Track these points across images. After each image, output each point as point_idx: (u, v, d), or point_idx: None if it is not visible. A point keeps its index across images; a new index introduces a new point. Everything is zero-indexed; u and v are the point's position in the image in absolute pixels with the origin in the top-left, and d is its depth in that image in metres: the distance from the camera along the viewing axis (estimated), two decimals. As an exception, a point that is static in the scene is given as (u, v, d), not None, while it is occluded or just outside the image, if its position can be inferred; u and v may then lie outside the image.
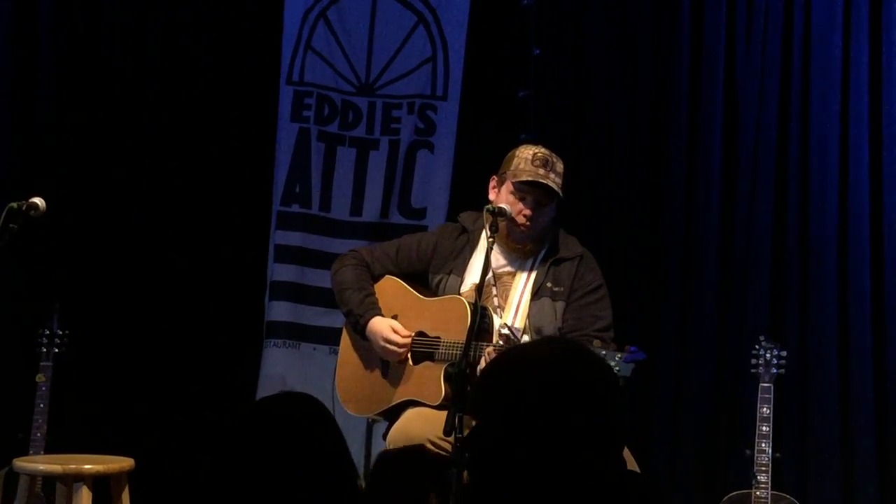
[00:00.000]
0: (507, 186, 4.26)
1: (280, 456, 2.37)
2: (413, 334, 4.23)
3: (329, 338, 5.43)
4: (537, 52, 5.61)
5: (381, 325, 4.23)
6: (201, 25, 5.91)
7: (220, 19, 5.90)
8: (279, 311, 5.77)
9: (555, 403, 2.12)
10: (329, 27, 5.85)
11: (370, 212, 5.78)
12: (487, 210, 4.17)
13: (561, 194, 4.25)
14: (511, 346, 3.94)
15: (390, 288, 4.35)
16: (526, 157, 4.24)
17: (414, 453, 2.58)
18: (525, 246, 4.31)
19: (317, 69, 5.85)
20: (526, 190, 4.22)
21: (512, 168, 4.25)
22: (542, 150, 4.29)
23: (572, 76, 5.67)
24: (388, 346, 4.20)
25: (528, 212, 4.21)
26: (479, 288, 3.99)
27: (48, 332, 5.24)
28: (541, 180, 4.19)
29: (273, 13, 5.87)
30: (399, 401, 4.20)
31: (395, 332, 4.22)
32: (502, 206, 4.18)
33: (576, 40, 5.67)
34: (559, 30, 5.67)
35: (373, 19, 5.83)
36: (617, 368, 3.73)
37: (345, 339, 4.45)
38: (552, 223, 4.35)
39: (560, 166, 4.27)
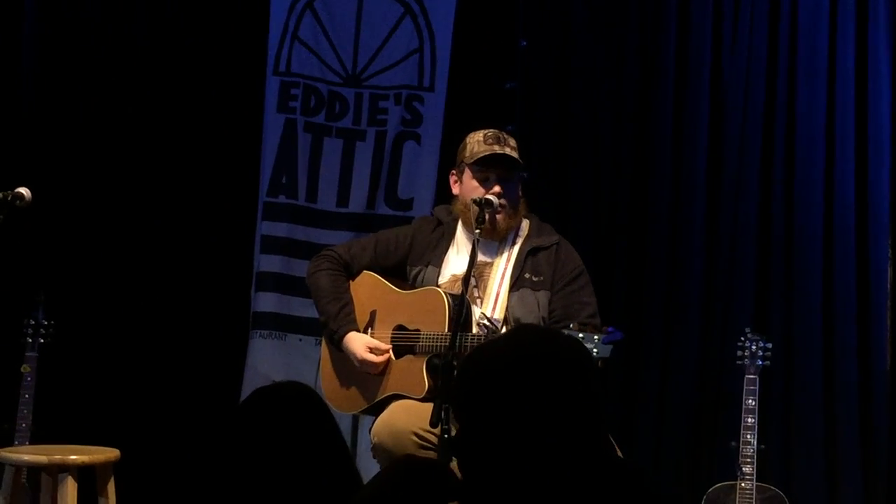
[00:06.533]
0: (468, 174, 4.26)
1: (279, 446, 2.38)
2: (390, 347, 4.22)
3: (315, 329, 5.39)
4: (524, 43, 5.62)
5: (356, 345, 4.20)
6: (188, 16, 5.89)
7: (206, 9, 5.89)
8: (265, 301, 5.76)
9: (536, 393, 2.11)
10: (316, 17, 5.84)
11: (357, 203, 5.77)
12: (474, 202, 4.15)
13: (521, 163, 4.26)
14: (488, 337, 3.95)
15: (368, 283, 4.33)
16: (478, 140, 4.26)
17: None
18: (503, 229, 4.28)
19: (303, 60, 5.84)
20: (487, 168, 4.22)
21: (467, 154, 4.26)
22: (491, 129, 4.30)
23: (559, 67, 5.68)
24: (364, 365, 4.20)
25: (496, 189, 4.21)
26: (466, 279, 3.97)
27: (34, 323, 5.24)
28: (498, 152, 4.19)
29: (260, 3, 5.86)
30: (383, 396, 4.18)
31: (371, 350, 4.19)
32: (489, 197, 4.17)
33: (562, 31, 5.68)
34: (546, 21, 5.68)
35: (360, 10, 5.82)
36: (595, 350, 3.72)
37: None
38: (524, 206, 4.33)
39: (513, 141, 4.27)
